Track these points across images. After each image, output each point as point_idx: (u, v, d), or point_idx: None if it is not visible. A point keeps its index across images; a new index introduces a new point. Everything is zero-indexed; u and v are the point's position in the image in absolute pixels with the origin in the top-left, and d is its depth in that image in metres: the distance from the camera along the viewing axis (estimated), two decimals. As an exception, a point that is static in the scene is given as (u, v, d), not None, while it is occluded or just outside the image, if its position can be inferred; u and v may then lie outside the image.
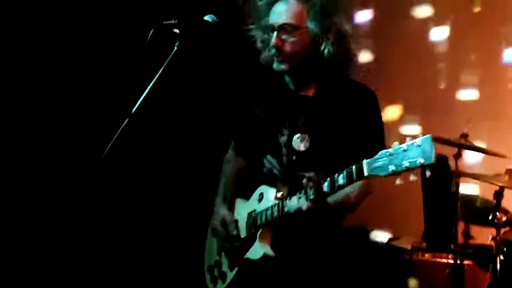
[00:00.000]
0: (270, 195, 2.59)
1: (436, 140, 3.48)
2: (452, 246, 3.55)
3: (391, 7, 4.52)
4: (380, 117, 2.62)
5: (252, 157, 2.78)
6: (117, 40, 4.03)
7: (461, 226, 3.65)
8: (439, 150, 3.74)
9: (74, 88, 4.01)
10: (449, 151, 3.58)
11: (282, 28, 2.57)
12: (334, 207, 2.46)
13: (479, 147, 3.74)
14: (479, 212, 3.66)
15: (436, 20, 4.43)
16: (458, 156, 3.57)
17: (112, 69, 3.99)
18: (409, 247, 3.81)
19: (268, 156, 2.68)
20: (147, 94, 2.42)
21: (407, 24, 4.50)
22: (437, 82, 4.46)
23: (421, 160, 2.06)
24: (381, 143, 2.48)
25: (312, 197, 2.36)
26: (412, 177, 2.11)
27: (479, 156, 4.07)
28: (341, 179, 2.30)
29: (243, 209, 2.71)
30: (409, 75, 4.41)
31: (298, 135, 2.60)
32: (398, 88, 4.43)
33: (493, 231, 3.48)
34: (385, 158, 2.14)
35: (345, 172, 2.28)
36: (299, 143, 2.60)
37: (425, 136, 2.10)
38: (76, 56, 4.03)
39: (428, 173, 2.13)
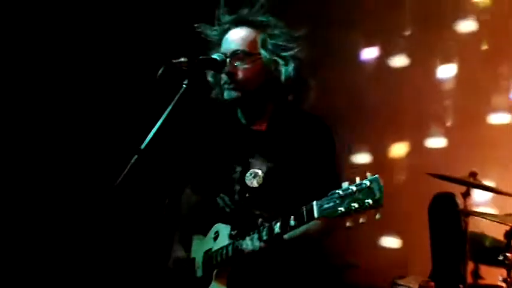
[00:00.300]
0: (224, 233, 2.57)
1: (445, 178, 3.57)
2: (461, 286, 3.52)
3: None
4: (333, 151, 2.59)
5: (207, 195, 2.74)
6: (128, 72, 4.08)
7: (470, 266, 3.61)
8: (446, 188, 3.88)
9: (86, 120, 4.07)
10: (457, 189, 3.58)
11: (235, 55, 2.56)
12: (291, 244, 2.42)
13: (488, 186, 3.70)
14: (489, 251, 3.61)
15: (443, 58, 4.45)
16: (466, 194, 3.55)
17: (121, 104, 4.05)
18: (416, 286, 3.75)
19: (222, 194, 2.65)
20: (156, 131, 2.38)
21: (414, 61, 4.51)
22: (444, 119, 4.47)
23: (370, 201, 2.06)
24: (334, 179, 2.43)
25: (265, 237, 2.36)
26: (374, 217, 2.06)
27: (488, 194, 4.03)
28: (292, 221, 2.28)
29: (199, 247, 2.70)
30: (416, 112, 4.42)
31: (250, 171, 2.58)
32: (406, 125, 4.45)
33: (503, 272, 3.42)
34: (335, 199, 2.14)
35: (295, 214, 2.27)
36: (251, 179, 2.58)
37: (373, 176, 2.09)
38: (88, 88, 4.10)
39: (378, 216, 2.13)
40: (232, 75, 2.57)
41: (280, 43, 2.59)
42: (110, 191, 2.33)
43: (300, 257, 2.56)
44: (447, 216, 3.85)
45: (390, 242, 4.51)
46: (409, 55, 4.48)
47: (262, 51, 2.59)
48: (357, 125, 4.49)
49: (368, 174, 2.11)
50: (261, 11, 2.64)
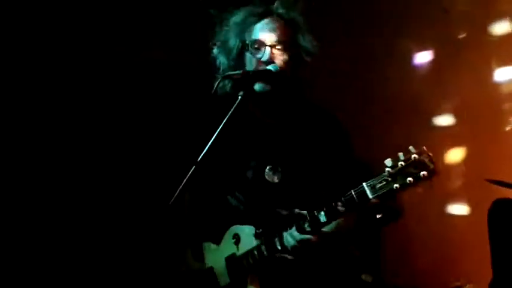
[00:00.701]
0: (247, 235, 2.51)
1: (504, 184, 3.49)
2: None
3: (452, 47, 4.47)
4: (350, 141, 2.63)
5: (215, 194, 2.69)
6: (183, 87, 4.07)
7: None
8: (506, 195, 3.79)
9: (140, 132, 4.05)
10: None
11: (279, 44, 2.61)
12: (333, 237, 2.43)
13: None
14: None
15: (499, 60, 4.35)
16: (528, 200, 3.46)
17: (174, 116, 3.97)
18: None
19: (237, 193, 2.62)
20: (212, 144, 2.43)
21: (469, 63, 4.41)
22: (500, 125, 4.35)
23: (424, 173, 2.11)
24: (355, 167, 2.50)
25: (308, 229, 2.35)
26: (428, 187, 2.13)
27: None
28: (340, 207, 2.29)
29: (216, 255, 2.64)
30: (473, 117, 4.34)
31: (270, 166, 2.57)
32: (462, 130, 4.38)
33: None
34: (386, 178, 2.17)
35: (343, 199, 2.28)
36: (272, 174, 2.57)
37: (420, 149, 2.14)
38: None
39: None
40: (272, 63, 2.59)
41: (308, 42, 2.67)
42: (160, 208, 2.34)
43: (335, 257, 2.57)
44: (508, 223, 3.77)
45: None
46: (464, 58, 4.38)
47: (299, 42, 2.65)
48: (412, 129, 4.39)
49: (411, 147, 2.16)
50: (294, 7, 2.71)
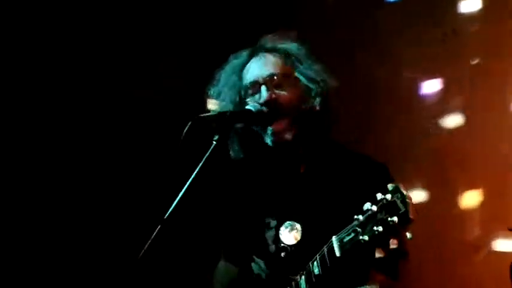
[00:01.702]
0: None
1: None
2: None
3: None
4: None
5: (239, 261, 2.67)
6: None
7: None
8: None
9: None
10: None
11: (271, 79, 2.58)
12: None
13: None
14: None
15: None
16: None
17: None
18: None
19: (256, 258, 2.58)
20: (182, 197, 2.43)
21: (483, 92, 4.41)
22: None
23: (394, 219, 1.94)
24: None
25: None
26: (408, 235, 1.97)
27: None
28: (316, 268, 2.22)
29: None
30: (492, 154, 4.30)
31: (286, 224, 2.51)
32: (479, 169, 4.33)
33: None
34: (355, 227, 2.05)
35: (318, 258, 2.22)
36: (287, 234, 2.50)
37: (393, 186, 1.98)
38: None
39: (409, 235, 2.02)
40: (273, 104, 2.56)
41: (311, 70, 2.64)
42: (133, 264, 2.35)
43: None
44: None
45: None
46: (478, 86, 4.37)
47: (298, 75, 2.63)
48: (419, 169, 4.39)
49: (389, 185, 2.00)
50: (286, 39, 2.71)
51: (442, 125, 4.40)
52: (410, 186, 4.17)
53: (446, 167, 4.34)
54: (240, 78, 2.70)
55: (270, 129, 2.59)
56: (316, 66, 2.68)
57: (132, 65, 4.38)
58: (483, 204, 4.25)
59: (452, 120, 4.39)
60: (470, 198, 4.30)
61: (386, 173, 2.54)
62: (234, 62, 2.74)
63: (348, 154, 2.63)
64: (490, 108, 4.26)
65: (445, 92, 4.49)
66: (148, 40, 4.47)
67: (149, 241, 2.37)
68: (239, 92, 2.69)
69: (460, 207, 4.29)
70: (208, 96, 2.80)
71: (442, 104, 4.45)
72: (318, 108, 2.60)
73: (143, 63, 4.40)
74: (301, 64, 2.65)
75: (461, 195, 4.31)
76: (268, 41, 2.72)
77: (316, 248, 2.37)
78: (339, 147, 2.66)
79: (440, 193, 4.30)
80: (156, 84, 4.43)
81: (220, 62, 2.85)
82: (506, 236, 3.73)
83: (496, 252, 4.05)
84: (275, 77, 2.62)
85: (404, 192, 1.97)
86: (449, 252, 4.20)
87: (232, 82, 2.72)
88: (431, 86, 4.54)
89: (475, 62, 4.33)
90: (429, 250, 3.78)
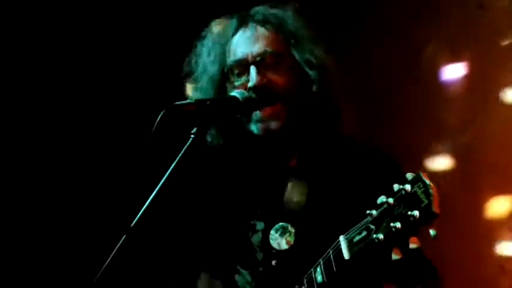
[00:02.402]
0: None
1: None
2: None
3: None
4: None
5: (222, 272, 2.56)
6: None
7: None
8: None
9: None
10: None
11: (263, 58, 2.46)
12: None
13: None
14: None
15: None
16: None
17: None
18: None
19: (240, 269, 2.49)
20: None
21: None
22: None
23: (415, 214, 1.82)
24: None
25: None
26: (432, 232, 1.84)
27: None
28: (319, 275, 2.14)
29: None
30: None
31: (276, 226, 2.42)
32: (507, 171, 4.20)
33: None
34: (368, 224, 1.94)
35: (322, 262, 2.14)
36: (279, 238, 2.41)
37: (414, 175, 1.86)
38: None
39: (432, 232, 1.87)
40: (263, 90, 2.43)
41: (310, 51, 2.51)
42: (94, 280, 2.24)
43: None
44: None
45: None
46: (509, 73, 4.24)
47: (295, 54, 2.51)
48: (440, 169, 4.30)
49: (408, 174, 1.88)
50: (282, 8, 2.58)
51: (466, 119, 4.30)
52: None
53: (473, 169, 4.25)
54: (224, 51, 2.58)
55: (257, 115, 2.48)
56: (317, 47, 2.56)
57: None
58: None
59: (478, 113, 4.28)
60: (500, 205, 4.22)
61: (393, 164, 2.48)
62: (217, 30, 2.63)
63: (351, 147, 2.56)
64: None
65: (470, 78, 4.37)
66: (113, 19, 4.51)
67: (112, 254, 2.27)
68: (222, 70, 2.56)
69: (489, 215, 4.20)
70: (185, 76, 2.70)
71: (468, 93, 4.34)
72: (314, 96, 2.50)
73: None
74: (299, 42, 2.54)
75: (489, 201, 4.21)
76: (260, 10, 2.59)
77: (314, 253, 2.28)
78: (343, 140, 2.58)
79: (466, 198, 4.20)
80: (124, 67, 4.42)
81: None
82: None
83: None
84: (267, 56, 2.50)
85: (428, 182, 1.85)
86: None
87: (214, 56, 2.60)
88: (454, 71, 4.42)
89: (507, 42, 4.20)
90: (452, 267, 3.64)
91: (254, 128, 2.50)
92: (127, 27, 4.51)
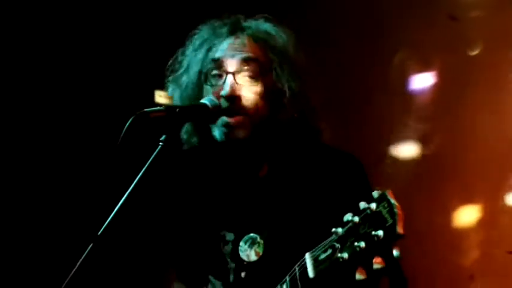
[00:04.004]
0: None
1: None
2: None
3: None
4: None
5: (195, 284, 2.56)
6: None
7: None
8: None
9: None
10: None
11: (241, 69, 2.47)
12: None
13: None
14: None
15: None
16: None
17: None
18: None
19: (212, 279, 2.49)
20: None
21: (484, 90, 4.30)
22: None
23: (379, 233, 1.82)
24: None
25: None
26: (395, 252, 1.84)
27: None
28: None
29: None
30: (493, 162, 4.19)
31: (245, 238, 2.42)
32: (477, 180, 4.24)
33: None
34: (333, 243, 1.94)
35: (288, 278, 2.12)
36: (248, 249, 2.42)
37: (379, 193, 1.86)
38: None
39: (396, 253, 1.86)
40: (235, 100, 2.44)
41: (291, 74, 2.52)
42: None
43: None
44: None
45: None
46: (477, 84, 4.28)
47: (275, 75, 2.52)
48: (406, 177, 4.30)
49: (375, 192, 1.88)
50: (264, 20, 2.60)
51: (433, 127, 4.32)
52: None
53: (438, 177, 4.26)
54: (208, 54, 2.59)
55: (222, 120, 2.49)
56: (299, 77, 2.57)
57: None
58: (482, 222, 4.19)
59: (446, 121, 4.31)
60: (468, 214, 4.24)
61: (363, 175, 2.50)
62: (207, 33, 2.63)
63: (324, 154, 2.56)
64: (495, 112, 4.19)
65: (438, 87, 4.41)
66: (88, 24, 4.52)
67: (79, 263, 2.26)
68: (201, 70, 2.57)
69: (456, 225, 4.22)
70: (168, 72, 2.70)
71: (435, 101, 4.38)
72: (285, 120, 2.52)
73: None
74: (282, 68, 2.54)
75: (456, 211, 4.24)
76: (253, 24, 2.62)
77: (282, 265, 2.28)
78: (315, 146, 2.58)
79: (433, 207, 4.23)
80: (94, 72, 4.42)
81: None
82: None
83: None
84: (248, 66, 2.52)
85: (392, 201, 1.84)
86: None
87: (198, 57, 2.61)
88: (423, 80, 4.46)
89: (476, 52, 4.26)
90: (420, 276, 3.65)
91: (217, 133, 2.51)
92: (97, 31, 4.52)
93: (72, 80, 4.45)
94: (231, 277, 2.47)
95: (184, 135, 2.62)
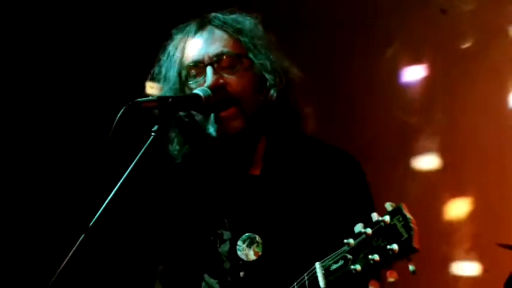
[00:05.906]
0: None
1: None
2: None
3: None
4: (368, 197, 2.45)
5: (189, 283, 2.54)
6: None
7: None
8: None
9: None
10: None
11: (220, 59, 2.48)
12: None
13: None
14: None
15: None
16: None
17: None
18: None
19: (207, 277, 2.48)
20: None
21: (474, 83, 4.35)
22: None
23: (394, 247, 1.83)
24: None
25: None
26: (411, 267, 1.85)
27: None
28: None
29: None
30: (483, 157, 4.24)
31: (243, 237, 2.42)
32: (468, 174, 4.28)
33: None
34: (345, 254, 1.95)
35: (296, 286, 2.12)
36: (246, 248, 2.42)
37: (394, 206, 1.88)
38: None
39: (411, 268, 1.87)
40: (219, 90, 2.44)
41: (267, 56, 2.53)
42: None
43: None
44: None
45: None
46: (467, 76, 4.33)
47: (252, 58, 2.52)
48: (398, 171, 4.34)
49: (388, 205, 1.90)
50: (241, 15, 2.61)
51: (425, 122, 4.35)
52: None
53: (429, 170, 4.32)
54: (183, 55, 2.58)
55: (214, 116, 2.47)
56: (275, 53, 2.57)
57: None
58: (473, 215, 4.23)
59: (438, 115, 4.35)
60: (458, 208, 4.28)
61: (360, 171, 2.51)
62: (177, 37, 2.62)
63: (319, 150, 2.55)
64: (484, 105, 4.24)
65: (429, 81, 4.45)
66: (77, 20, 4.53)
67: (70, 254, 2.24)
68: (180, 73, 2.57)
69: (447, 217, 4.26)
70: (151, 79, 2.70)
71: (426, 95, 4.42)
72: (273, 101, 2.51)
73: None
74: (256, 47, 2.55)
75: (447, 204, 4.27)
76: (219, 15, 2.61)
77: (281, 264, 2.32)
78: (311, 143, 2.58)
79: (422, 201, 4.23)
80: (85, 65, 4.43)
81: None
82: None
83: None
84: (224, 57, 2.51)
85: (408, 215, 1.86)
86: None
87: (173, 61, 2.59)
88: (414, 73, 4.49)
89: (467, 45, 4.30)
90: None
91: (212, 130, 2.50)
92: (86, 27, 4.53)
93: (63, 73, 4.46)
94: (229, 276, 2.46)
95: (176, 147, 2.62)
